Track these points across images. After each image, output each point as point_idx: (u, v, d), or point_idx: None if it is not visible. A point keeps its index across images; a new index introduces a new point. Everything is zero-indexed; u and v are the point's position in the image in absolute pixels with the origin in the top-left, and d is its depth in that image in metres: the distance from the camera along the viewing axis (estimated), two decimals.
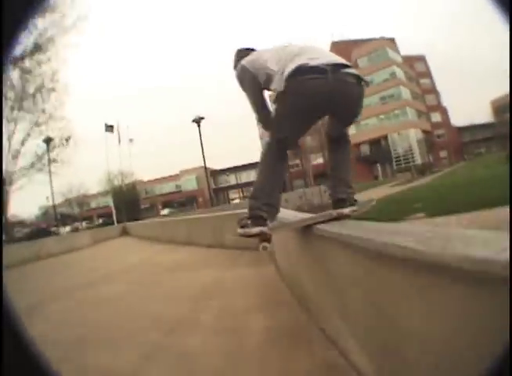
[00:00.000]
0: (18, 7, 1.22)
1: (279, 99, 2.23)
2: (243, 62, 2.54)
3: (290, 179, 52.73)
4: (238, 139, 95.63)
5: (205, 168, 27.32)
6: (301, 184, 50.25)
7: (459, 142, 60.79)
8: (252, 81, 2.51)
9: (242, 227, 2.27)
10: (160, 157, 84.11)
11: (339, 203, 2.45)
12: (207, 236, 9.19)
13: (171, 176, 63.32)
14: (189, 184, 61.01)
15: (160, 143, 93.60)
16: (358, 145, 51.63)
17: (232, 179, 63.24)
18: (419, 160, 46.98)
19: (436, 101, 59.78)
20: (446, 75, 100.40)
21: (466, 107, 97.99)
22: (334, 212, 2.38)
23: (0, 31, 1.13)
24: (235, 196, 62.30)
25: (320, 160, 50.05)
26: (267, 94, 2.63)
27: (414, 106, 52.26)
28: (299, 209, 14.48)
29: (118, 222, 30.91)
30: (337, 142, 2.56)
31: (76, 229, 43.18)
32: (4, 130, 20.49)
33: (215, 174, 62.30)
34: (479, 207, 7.06)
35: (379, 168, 50.99)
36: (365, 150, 53.25)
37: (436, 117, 58.95)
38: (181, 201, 58.99)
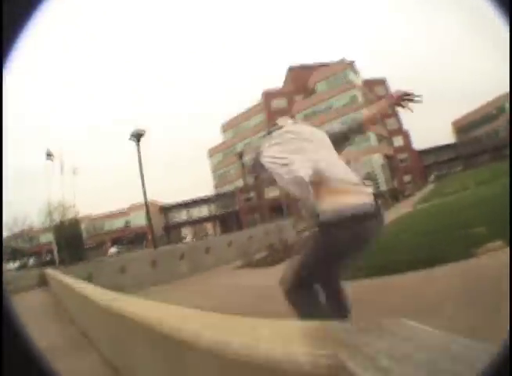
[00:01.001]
0: (18, 7, 1.19)
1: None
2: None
3: (243, 214, 50.10)
4: (189, 173, 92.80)
5: (145, 196, 23.75)
6: (256, 219, 48.45)
7: (422, 165, 61.73)
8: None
9: None
10: (109, 190, 79.38)
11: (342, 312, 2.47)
12: None
13: (121, 212, 59.71)
14: (139, 220, 55.51)
15: (109, 175, 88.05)
16: None
17: (183, 215, 60.71)
18: (384, 187, 46.05)
19: (397, 125, 59.80)
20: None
21: (428, 130, 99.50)
22: None
23: (0, 31, 1.13)
24: (186, 233, 59.72)
25: (276, 193, 47.68)
26: None
27: (376, 131, 51.07)
28: (271, 248, 11.31)
29: (61, 261, 28.93)
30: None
31: (24, 265, 41.58)
32: None
33: (167, 209, 60.05)
34: None
35: None
36: None
37: (398, 141, 59.25)
38: (130, 238, 54.32)
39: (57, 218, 40.46)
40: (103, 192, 79.84)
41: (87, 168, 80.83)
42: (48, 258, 44.97)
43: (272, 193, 48.49)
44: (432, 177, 58.40)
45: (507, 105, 53.27)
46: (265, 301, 6.08)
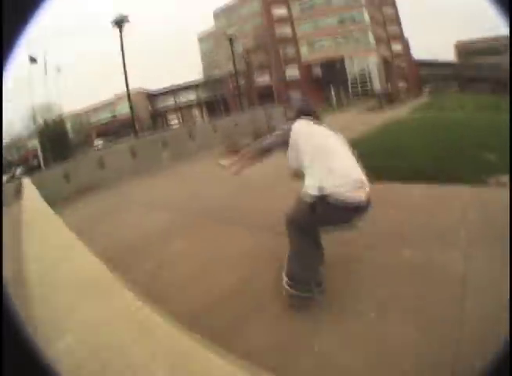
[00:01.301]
0: (18, 8, 1.20)
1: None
2: (298, 129, 2.81)
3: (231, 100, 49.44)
4: (176, 57, 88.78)
5: (127, 84, 22.95)
6: (244, 105, 46.71)
7: (419, 75, 60.29)
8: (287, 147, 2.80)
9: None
10: (95, 82, 76.06)
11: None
12: None
13: (107, 103, 57.80)
14: (125, 110, 54.28)
15: (94, 66, 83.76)
16: (309, 65, 49.94)
17: (170, 101, 59.22)
18: (378, 87, 45.84)
19: (398, 31, 57.87)
20: (412, 8, 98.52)
21: (428, 43, 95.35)
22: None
23: (0, 31, 1.14)
24: (173, 118, 58.91)
25: (265, 79, 46.36)
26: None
27: (375, 32, 49.58)
28: (257, 135, 11.21)
29: (46, 164, 29.07)
30: None
31: (12, 176, 38.18)
32: None
33: (154, 96, 58.31)
34: None
35: (332, 90, 48.37)
36: (317, 70, 50.85)
37: (397, 47, 57.35)
38: (116, 129, 53.47)
39: (40, 119, 39.48)
40: (89, 85, 76.69)
41: (71, 64, 76.36)
42: (34, 164, 42.89)
43: (262, 79, 47.52)
44: (427, 89, 57.50)
45: None
46: (243, 192, 6.35)
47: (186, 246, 4.40)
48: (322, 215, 2.60)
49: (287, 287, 2.74)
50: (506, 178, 5.04)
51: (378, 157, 6.53)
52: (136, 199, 7.76)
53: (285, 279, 2.77)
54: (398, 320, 2.51)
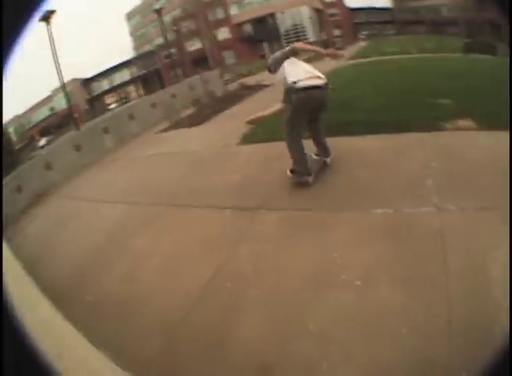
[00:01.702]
0: (18, 7, 1.23)
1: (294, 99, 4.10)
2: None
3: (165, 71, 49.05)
4: (106, 39, 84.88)
5: (60, 76, 21.68)
6: (179, 75, 45.37)
7: (353, 22, 60.55)
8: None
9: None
10: (31, 81, 71.91)
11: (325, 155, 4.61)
12: None
13: (44, 100, 54.53)
14: (62, 102, 52.09)
15: (27, 63, 78.89)
16: (240, 25, 48.79)
17: (105, 84, 56.80)
18: (312, 38, 45.15)
19: None
20: None
21: None
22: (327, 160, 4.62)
23: (0, 31, 1.16)
24: (111, 101, 55.65)
25: (197, 46, 45.29)
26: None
27: None
28: (198, 103, 10.82)
29: None
30: (314, 120, 4.43)
31: None
32: None
33: (88, 82, 55.60)
34: None
35: (265, 47, 47.32)
36: (248, 29, 49.98)
37: None
38: (56, 124, 51.11)
39: None
40: (26, 87, 72.43)
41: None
42: None
43: (193, 46, 46.44)
44: (362, 35, 58.30)
45: None
46: (196, 170, 6.01)
47: (151, 241, 4.07)
48: (298, 101, 4.07)
49: (290, 174, 4.37)
50: (464, 123, 5.14)
51: (331, 112, 6.43)
52: (89, 196, 7.28)
53: (288, 172, 4.39)
54: (385, 285, 2.50)
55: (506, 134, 4.41)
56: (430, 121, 5.31)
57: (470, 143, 4.56)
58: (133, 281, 3.42)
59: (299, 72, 4.18)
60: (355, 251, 2.89)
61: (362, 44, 40.78)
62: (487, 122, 5.00)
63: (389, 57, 17.28)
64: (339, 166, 4.51)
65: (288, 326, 2.40)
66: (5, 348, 1.11)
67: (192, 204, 4.63)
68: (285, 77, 4.26)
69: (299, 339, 2.27)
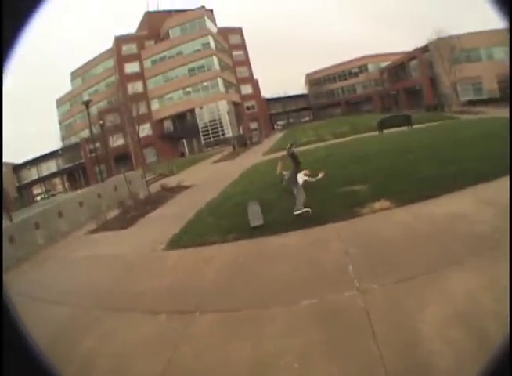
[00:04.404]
0: (18, 7, 1.24)
1: None
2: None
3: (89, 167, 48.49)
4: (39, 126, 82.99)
5: None
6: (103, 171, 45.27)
7: (269, 113, 64.88)
8: None
9: None
10: None
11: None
12: None
13: None
14: None
15: None
16: (161, 121, 50.60)
17: (34, 173, 55.44)
18: (230, 133, 46.91)
19: (248, 73, 61.77)
20: (261, 48, 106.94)
21: (278, 80, 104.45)
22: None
23: (0, 31, 1.17)
24: (38, 191, 54.88)
25: (120, 142, 46.21)
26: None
27: (225, 78, 52.12)
28: (123, 206, 11.09)
29: None
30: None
31: None
32: None
33: (18, 169, 54.09)
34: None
35: (185, 144, 49.94)
36: (168, 125, 51.74)
37: (247, 89, 60.57)
38: None
39: None
40: None
41: None
42: None
43: (116, 142, 46.24)
44: (279, 126, 62.33)
45: (370, 66, 63.07)
46: (127, 275, 5.95)
47: (96, 345, 3.93)
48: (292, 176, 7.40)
49: (297, 211, 6.04)
50: (380, 203, 5.82)
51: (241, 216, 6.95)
52: (28, 293, 6.64)
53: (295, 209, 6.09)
54: (322, 364, 2.70)
55: (419, 205, 5.44)
56: (346, 210, 5.86)
57: (386, 222, 5.15)
58: None
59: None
60: (288, 340, 3.05)
61: (279, 135, 42.80)
62: (400, 199, 5.75)
63: (304, 148, 18.56)
64: (263, 265, 4.75)
65: None
66: (5, 349, 1.13)
67: (129, 308, 4.61)
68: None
69: None
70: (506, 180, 5.39)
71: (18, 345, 1.20)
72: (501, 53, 38.16)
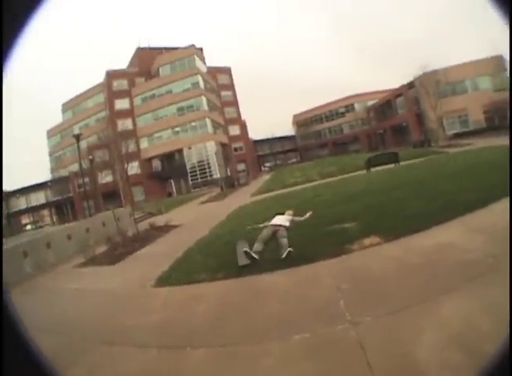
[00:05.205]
0: (18, 7, 1.24)
1: None
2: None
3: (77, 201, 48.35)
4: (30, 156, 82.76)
5: None
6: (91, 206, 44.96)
7: (256, 155, 65.78)
8: None
9: None
10: None
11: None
12: None
13: None
14: None
15: None
16: (149, 160, 50.79)
17: (22, 202, 55.35)
18: (217, 174, 47.08)
19: (236, 114, 62.89)
20: (250, 88, 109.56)
21: (266, 121, 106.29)
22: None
23: (0, 31, 1.17)
24: (26, 221, 55.00)
25: (109, 179, 46.33)
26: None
27: (213, 118, 52.76)
28: (111, 242, 10.96)
29: None
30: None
31: None
32: None
33: (8, 197, 53.32)
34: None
35: (173, 184, 50.03)
36: (157, 165, 52.01)
37: (235, 130, 61.33)
38: None
39: None
40: None
41: None
42: None
43: (105, 178, 46.11)
44: (266, 167, 62.91)
45: (357, 105, 64.44)
46: (116, 310, 5.90)
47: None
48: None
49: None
50: (370, 239, 5.90)
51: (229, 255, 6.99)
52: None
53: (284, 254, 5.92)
54: None
55: (409, 239, 5.55)
56: (336, 247, 5.88)
57: (376, 257, 5.21)
58: None
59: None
60: (282, 373, 3.04)
61: (267, 176, 42.65)
62: (390, 234, 5.85)
63: (291, 189, 18.91)
64: (253, 302, 4.72)
65: None
66: (5, 349, 1.13)
67: (118, 342, 4.56)
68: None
69: None
70: (494, 206, 5.56)
71: (18, 345, 1.22)
72: (486, 83, 39.98)
